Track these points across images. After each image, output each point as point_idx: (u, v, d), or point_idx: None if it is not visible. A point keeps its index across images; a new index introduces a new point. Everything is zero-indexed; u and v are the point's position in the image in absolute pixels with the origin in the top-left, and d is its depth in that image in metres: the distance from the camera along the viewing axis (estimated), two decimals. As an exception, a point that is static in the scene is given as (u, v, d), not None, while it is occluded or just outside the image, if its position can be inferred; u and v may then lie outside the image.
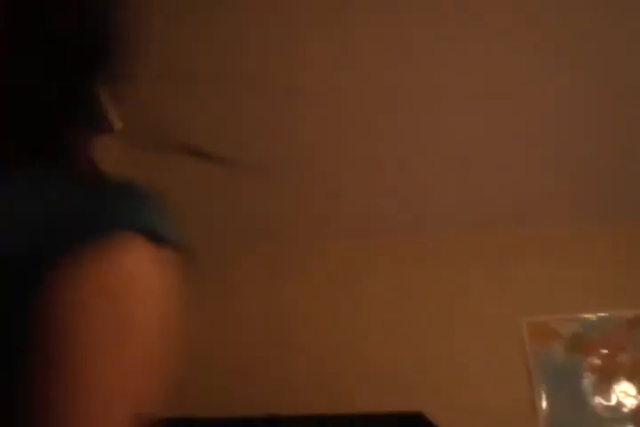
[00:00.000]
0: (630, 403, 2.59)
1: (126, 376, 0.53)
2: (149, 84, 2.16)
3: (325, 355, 2.88)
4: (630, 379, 2.62)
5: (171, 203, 0.62)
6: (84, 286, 0.52)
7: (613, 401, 2.60)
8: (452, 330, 2.86)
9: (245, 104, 2.40)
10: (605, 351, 2.69)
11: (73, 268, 0.52)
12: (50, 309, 0.51)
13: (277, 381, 2.82)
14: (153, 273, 0.57)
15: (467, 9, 2.01)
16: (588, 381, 2.64)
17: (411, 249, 3.15)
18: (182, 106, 2.37)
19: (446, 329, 2.87)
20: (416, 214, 3.07)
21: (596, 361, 2.68)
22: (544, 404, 2.62)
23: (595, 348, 2.71)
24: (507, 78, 2.28)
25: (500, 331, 2.81)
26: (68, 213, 0.57)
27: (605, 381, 2.63)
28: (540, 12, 2.02)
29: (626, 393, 2.61)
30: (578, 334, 2.75)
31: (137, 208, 0.59)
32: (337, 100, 2.39)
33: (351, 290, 3.07)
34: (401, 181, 2.83)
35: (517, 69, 2.24)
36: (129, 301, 0.54)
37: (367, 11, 2.02)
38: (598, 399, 2.60)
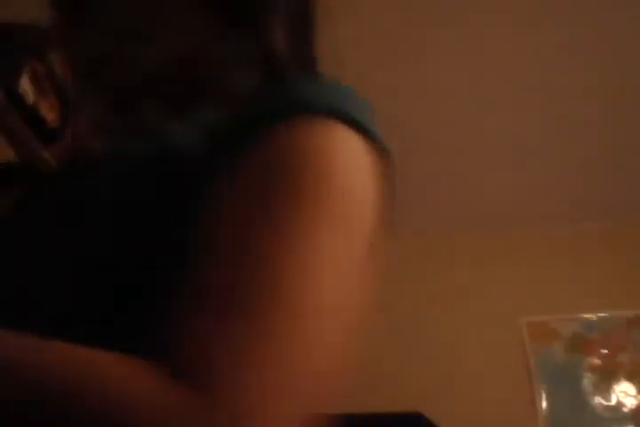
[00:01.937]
0: (630, 403, 2.59)
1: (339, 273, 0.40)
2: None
3: (325, 355, 2.87)
4: (630, 379, 2.62)
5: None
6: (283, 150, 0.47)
7: (613, 401, 2.59)
8: (452, 330, 2.86)
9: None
10: (605, 351, 2.69)
11: (271, 138, 0.48)
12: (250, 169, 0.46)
13: (277, 381, 2.82)
14: (359, 159, 0.48)
15: (472, 9, 2.01)
16: (587, 381, 2.64)
17: (410, 249, 3.15)
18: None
19: (446, 329, 2.86)
20: (416, 214, 3.06)
21: (596, 361, 2.68)
22: (544, 404, 2.62)
23: (595, 348, 2.71)
24: (507, 78, 2.28)
25: (500, 331, 2.81)
26: (266, 97, 0.53)
27: (605, 381, 2.63)
28: (541, 12, 2.02)
29: (626, 393, 2.60)
30: (578, 334, 2.75)
31: (339, 98, 0.53)
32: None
33: (351, 290, 3.06)
34: (401, 181, 2.82)
35: (517, 69, 2.24)
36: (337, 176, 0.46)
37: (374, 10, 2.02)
38: (598, 399, 2.60)
